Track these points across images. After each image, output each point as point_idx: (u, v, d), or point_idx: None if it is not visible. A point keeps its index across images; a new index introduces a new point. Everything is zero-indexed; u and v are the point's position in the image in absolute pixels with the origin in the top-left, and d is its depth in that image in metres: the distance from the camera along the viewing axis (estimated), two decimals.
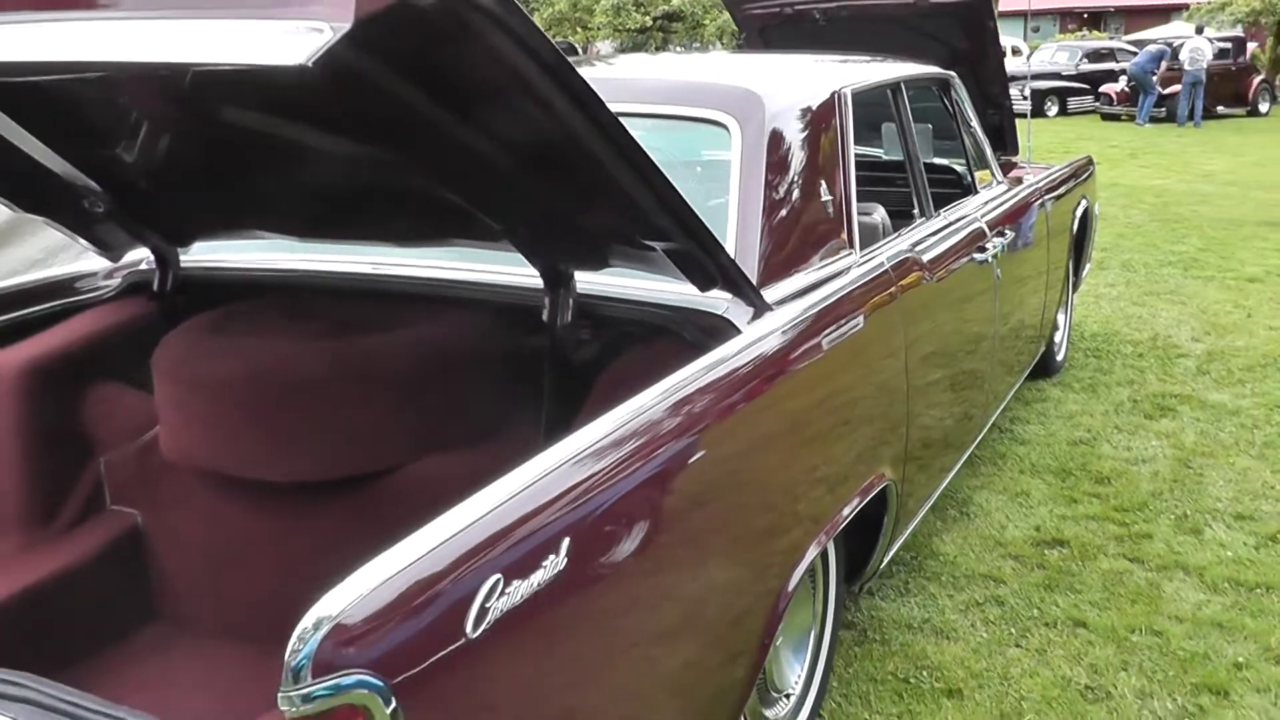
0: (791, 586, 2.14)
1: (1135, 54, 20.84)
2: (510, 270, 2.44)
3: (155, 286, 2.98)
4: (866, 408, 2.58)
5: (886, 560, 2.92)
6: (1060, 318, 5.26)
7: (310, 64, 1.16)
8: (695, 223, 1.88)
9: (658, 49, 28.06)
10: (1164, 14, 31.26)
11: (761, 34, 5.59)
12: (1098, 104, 21.18)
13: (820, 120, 2.75)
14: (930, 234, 3.18)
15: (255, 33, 1.24)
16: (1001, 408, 4.17)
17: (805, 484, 2.27)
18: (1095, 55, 22.95)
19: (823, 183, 2.68)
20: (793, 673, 2.52)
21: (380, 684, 1.16)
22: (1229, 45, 20.46)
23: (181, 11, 1.36)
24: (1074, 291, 5.60)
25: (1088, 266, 5.82)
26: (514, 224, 2.15)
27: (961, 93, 4.03)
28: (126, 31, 1.42)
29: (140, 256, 3.19)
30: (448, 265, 2.58)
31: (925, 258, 3.00)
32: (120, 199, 2.73)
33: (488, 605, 1.30)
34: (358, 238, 2.63)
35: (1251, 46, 22.14)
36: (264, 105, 1.92)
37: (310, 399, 2.31)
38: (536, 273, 2.34)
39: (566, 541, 1.43)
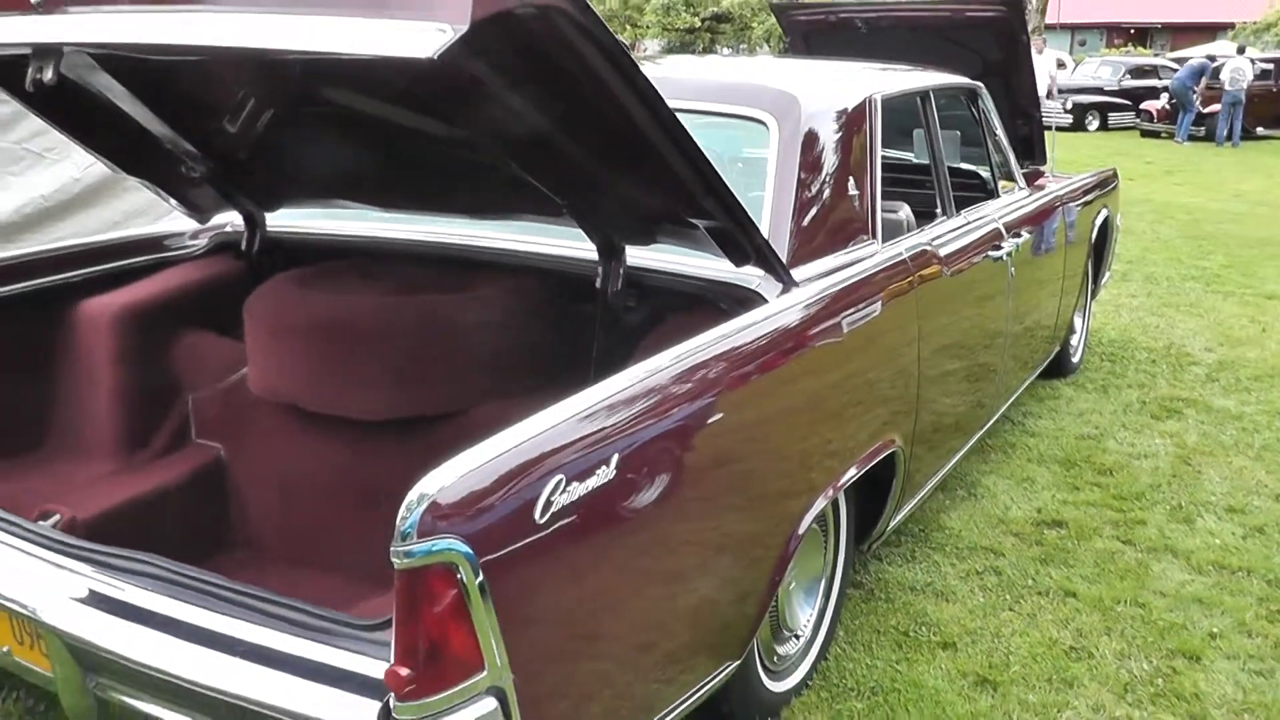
0: (802, 530, 2.44)
1: (1177, 71, 20.92)
2: (565, 243, 2.76)
3: (243, 246, 3.32)
4: (880, 378, 2.88)
5: (894, 524, 3.21)
6: (1078, 321, 5.52)
7: (436, 58, 1.47)
8: (735, 205, 2.19)
9: (704, 50, 28.37)
10: (1210, 32, 31.18)
11: (806, 39, 5.87)
12: (1138, 120, 21.26)
13: (852, 122, 3.04)
14: (948, 230, 3.46)
15: (385, 30, 1.55)
16: (1012, 400, 4.43)
17: (821, 439, 2.57)
18: (1138, 71, 23.01)
19: (851, 178, 2.97)
20: (803, 615, 2.81)
21: (467, 550, 1.48)
22: (1271, 66, 20.48)
23: (318, 9, 1.66)
24: (1092, 298, 5.85)
25: (1107, 275, 6.06)
26: (577, 202, 2.46)
27: (988, 102, 4.30)
28: (263, 23, 1.72)
29: (224, 221, 3.54)
30: (508, 237, 2.90)
31: (942, 251, 3.29)
32: (219, 166, 3.07)
33: (552, 499, 1.62)
34: (431, 210, 2.95)
35: None
36: (371, 90, 2.24)
37: (388, 346, 2.63)
38: (588, 246, 2.66)
39: (615, 457, 1.76)
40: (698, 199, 2.16)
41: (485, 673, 1.52)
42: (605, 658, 1.89)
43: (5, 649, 2.15)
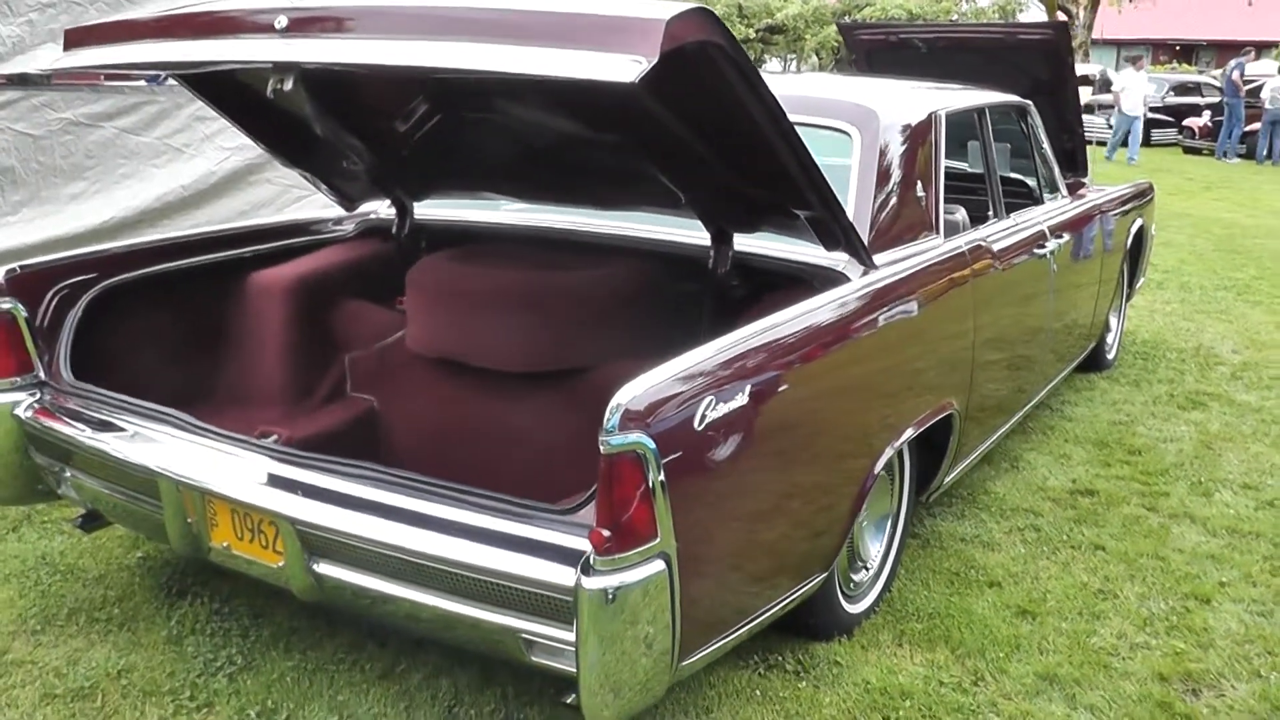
0: (877, 470, 2.97)
1: (1220, 88, 21.18)
2: (675, 230, 3.30)
3: (394, 230, 3.87)
4: (942, 349, 3.40)
5: (949, 481, 3.72)
6: (1113, 321, 5.99)
7: (636, 82, 1.98)
8: (833, 198, 2.72)
9: (756, 59, 28.89)
10: (1256, 49, 31.26)
11: (869, 57, 6.38)
12: (1180, 137, 21.53)
13: (920, 133, 3.56)
14: (999, 230, 3.97)
15: (590, 59, 2.02)
16: (1050, 387, 4.92)
17: (896, 394, 3.11)
18: (1181, 88, 23.24)
19: (919, 181, 3.49)
20: (874, 548, 3.33)
21: (652, 443, 2.02)
22: None
23: (528, 40, 2.13)
24: (1127, 300, 6.32)
25: (1141, 280, 6.52)
26: (699, 196, 3.00)
27: (1036, 118, 4.80)
28: (481, 51, 2.11)
29: (368, 209, 4.10)
30: (621, 224, 3.43)
31: (995, 247, 3.80)
32: (380, 162, 3.62)
33: (706, 414, 2.17)
34: (563, 201, 3.49)
35: None
36: (546, 104, 2.77)
37: (531, 312, 3.15)
38: (698, 233, 3.19)
39: (747, 388, 2.30)
40: (804, 193, 2.68)
41: (658, 539, 2.06)
42: (737, 543, 2.43)
43: (225, 544, 2.68)
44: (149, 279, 3.39)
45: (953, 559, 3.71)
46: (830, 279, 3.01)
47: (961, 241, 3.59)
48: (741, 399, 2.27)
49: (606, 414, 2.02)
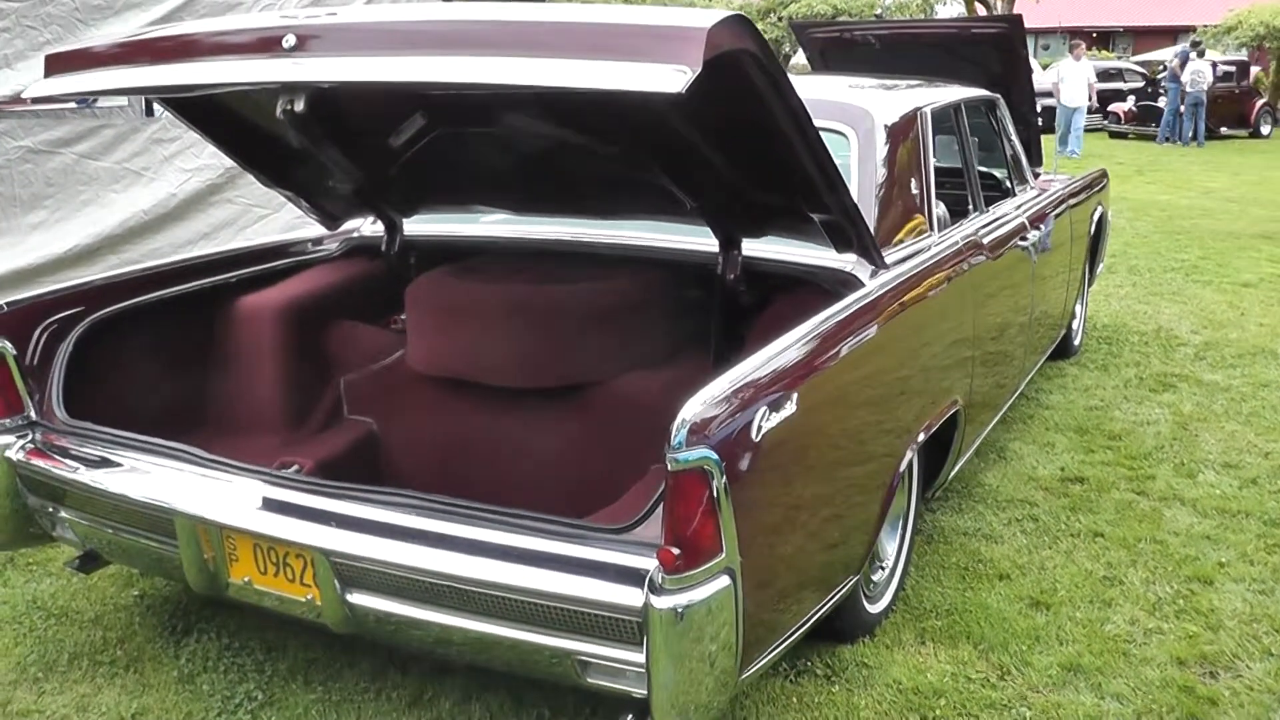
0: (902, 467, 2.98)
1: (1143, 74, 21.67)
2: (680, 238, 3.27)
3: (382, 248, 3.79)
4: (950, 346, 3.42)
5: (950, 476, 3.75)
6: (1078, 308, 6.09)
7: (684, 92, 1.95)
8: (850, 200, 2.72)
9: None
10: (1171, 35, 32.16)
11: (823, 55, 6.42)
12: (1106, 122, 22.04)
13: (910, 130, 3.57)
14: (985, 224, 4.01)
15: (631, 70, 1.98)
16: (1027, 380, 4.98)
17: (917, 391, 3.13)
18: (1104, 75, 23.78)
19: (912, 179, 3.50)
20: (890, 546, 3.34)
21: (717, 458, 1.99)
22: (1233, 69, 21.33)
23: (568, 54, 2.09)
24: (1089, 287, 6.43)
25: (1101, 266, 6.64)
26: (709, 203, 2.97)
27: (1004, 111, 4.86)
28: (511, 65, 2.06)
29: (350, 227, 4.02)
30: (614, 233, 3.39)
31: (984, 241, 3.83)
32: (369, 178, 3.53)
33: (762, 424, 2.14)
34: (561, 212, 3.45)
35: (1255, 70, 23.01)
36: (554, 117, 2.73)
37: (541, 324, 3.11)
38: (701, 239, 3.17)
39: (795, 395, 2.28)
40: (823, 196, 2.67)
41: (724, 555, 2.02)
42: (789, 551, 2.41)
43: (245, 579, 2.60)
44: (136, 310, 3.28)
45: (958, 553, 3.73)
46: (842, 281, 3.01)
47: (959, 236, 3.62)
48: (791, 407, 2.25)
49: (673, 430, 1.98)
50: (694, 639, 2.01)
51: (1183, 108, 19.65)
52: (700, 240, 3.22)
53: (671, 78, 1.95)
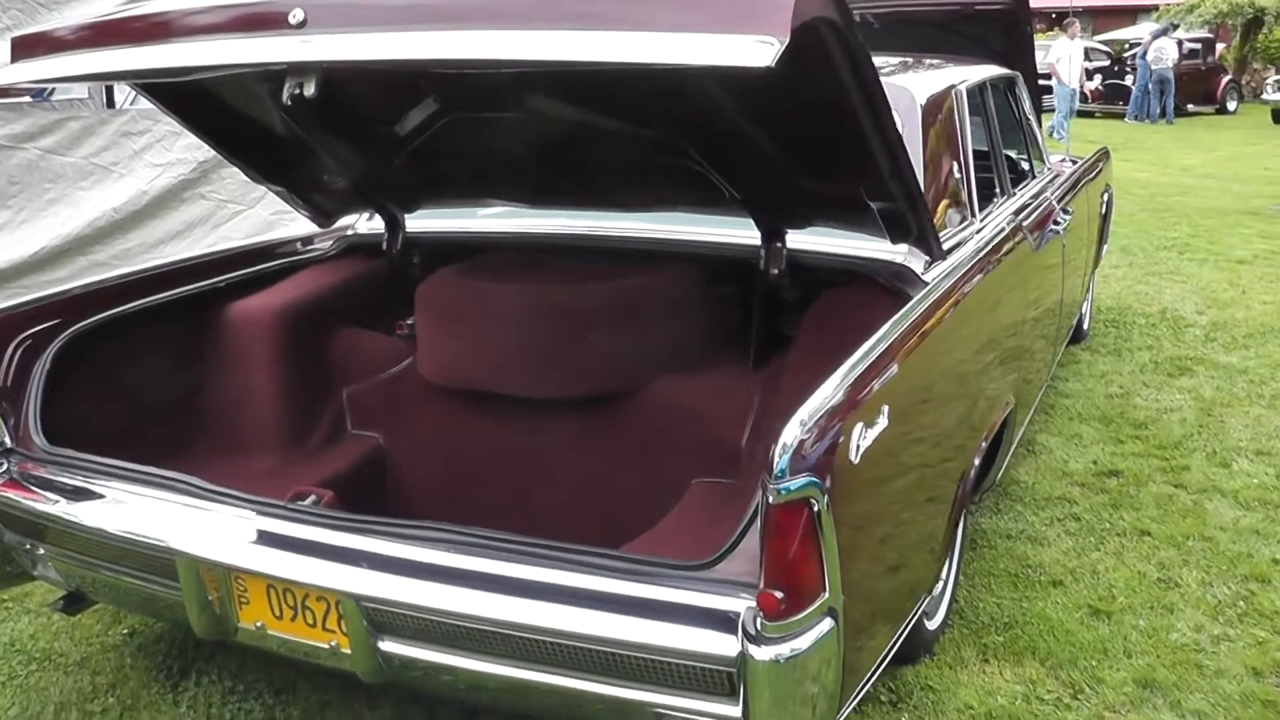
0: (973, 472, 2.75)
1: (1107, 52, 21.62)
2: (713, 230, 3.02)
3: (383, 246, 3.50)
4: (1005, 338, 3.20)
5: (998, 477, 3.53)
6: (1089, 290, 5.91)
7: (773, 66, 1.69)
8: (918, 189, 2.47)
9: None
10: (1131, 14, 32.21)
11: None
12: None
13: (949, 111, 3.34)
14: (1021, 208, 3.79)
15: (711, 43, 1.71)
16: (1051, 372, 4.79)
17: (982, 393, 2.92)
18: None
19: (954, 163, 3.27)
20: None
21: (819, 483, 1.74)
22: (1199, 46, 21.37)
23: (640, 26, 1.76)
24: (1095, 268, 6.25)
25: (1106, 246, 6.47)
26: (754, 193, 2.71)
27: (1023, 90, 4.64)
28: (574, 39, 1.77)
29: (344, 224, 3.72)
30: (653, 227, 3.12)
31: (1025, 225, 3.61)
32: (371, 170, 3.24)
33: (859, 444, 1.89)
34: (582, 205, 3.17)
35: (1220, 47, 23.08)
36: (589, 99, 2.46)
37: (566, 329, 2.84)
38: (737, 231, 2.92)
39: (885, 408, 2.03)
40: (888, 183, 2.42)
41: (827, 594, 1.78)
42: (883, 578, 2.19)
43: (258, 624, 2.31)
44: (118, 320, 2.97)
45: (1005, 558, 3.52)
46: (896, 273, 2.77)
47: (1000, 222, 3.39)
48: (883, 421, 2.01)
49: (774, 455, 1.72)
50: (797, 687, 1.76)
51: (1149, 85, 19.64)
52: (735, 232, 2.96)
53: (757, 50, 1.69)
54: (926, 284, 2.71)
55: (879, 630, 2.25)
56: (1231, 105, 21.71)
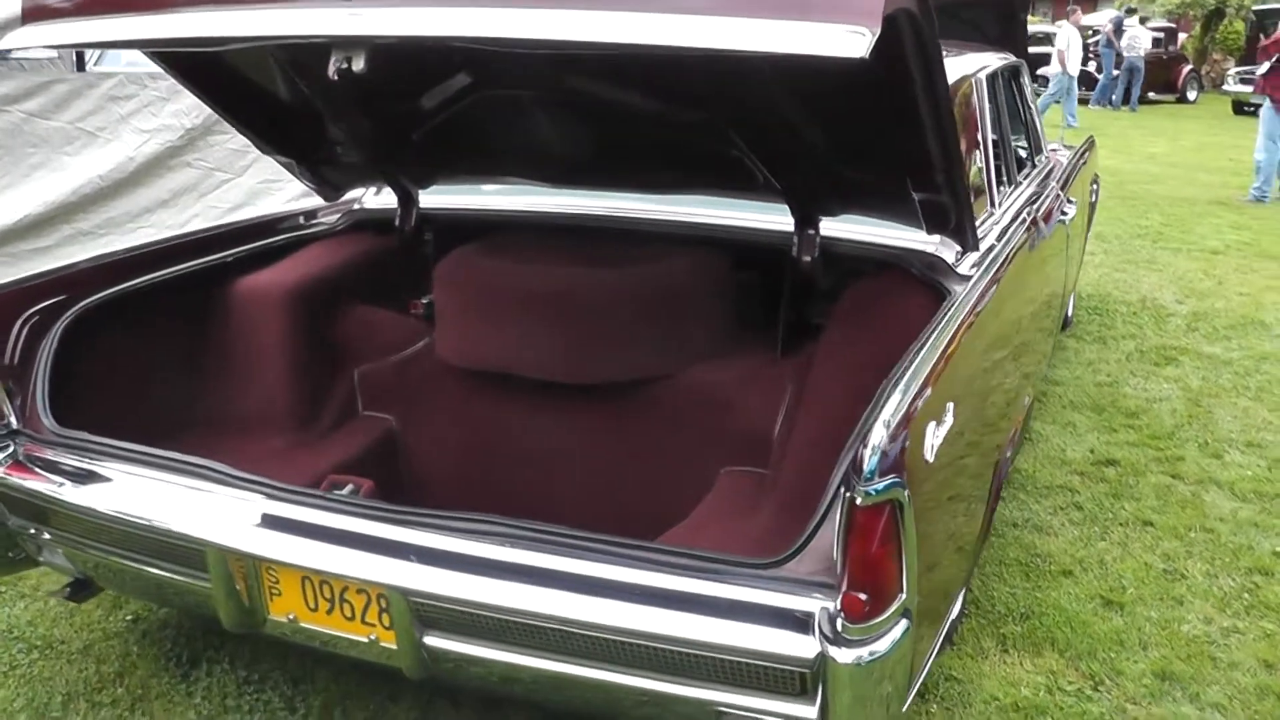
0: (1006, 463, 2.75)
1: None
2: (742, 215, 2.97)
3: (396, 221, 3.41)
4: (1028, 328, 3.20)
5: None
6: None
7: (867, 56, 1.64)
8: (965, 183, 2.43)
9: None
10: (1092, 1, 32.46)
11: None
12: (1037, 86, 22.15)
13: (969, 99, 3.31)
14: (1033, 198, 3.78)
15: (802, 31, 1.64)
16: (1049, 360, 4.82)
17: (1018, 384, 2.93)
18: (1033, 39, 23.91)
19: (976, 151, 3.25)
20: None
21: (904, 484, 1.71)
22: (1161, 35, 21.60)
23: (728, 11, 1.70)
24: (1083, 256, 6.30)
25: (1089, 234, 6.51)
26: (794, 179, 2.66)
27: (1027, 78, 4.63)
28: (656, 22, 1.70)
29: (349, 199, 3.62)
30: (678, 210, 3.06)
31: (1039, 215, 3.61)
32: (388, 144, 3.14)
33: (933, 442, 1.86)
34: (609, 185, 3.09)
35: (1183, 37, 23.35)
36: (629, 78, 2.39)
37: (594, 312, 2.78)
38: (767, 216, 2.87)
39: (951, 405, 2.00)
40: (936, 174, 2.38)
41: (905, 595, 1.75)
42: (947, 575, 2.19)
43: (289, 616, 2.22)
44: (125, 297, 2.86)
45: (1013, 547, 3.54)
46: (929, 264, 2.74)
47: (1023, 213, 3.38)
48: (949, 418, 1.98)
49: (865, 456, 1.68)
50: (875, 688, 1.74)
51: (1116, 72, 19.80)
52: (765, 217, 2.92)
53: (849, 41, 1.64)
54: (959, 275, 2.70)
55: (928, 627, 2.24)
56: (1192, 95, 21.99)
